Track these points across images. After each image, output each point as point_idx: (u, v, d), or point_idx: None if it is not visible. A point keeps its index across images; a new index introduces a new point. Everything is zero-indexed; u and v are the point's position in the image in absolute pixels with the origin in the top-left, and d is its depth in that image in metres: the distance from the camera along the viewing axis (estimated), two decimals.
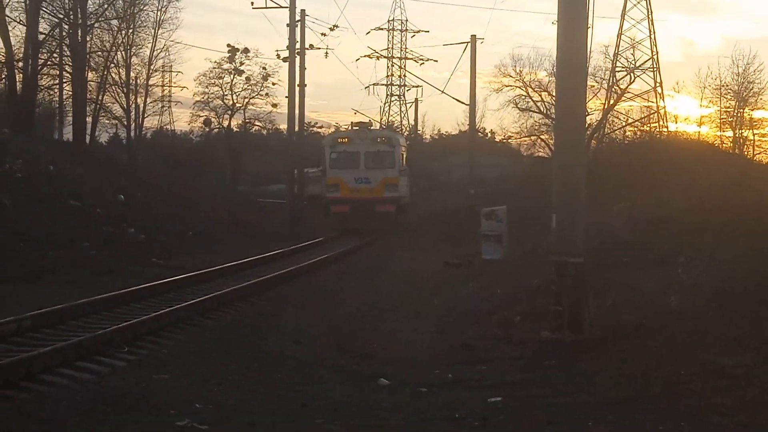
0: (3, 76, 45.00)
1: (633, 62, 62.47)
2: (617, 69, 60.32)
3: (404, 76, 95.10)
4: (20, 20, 44.20)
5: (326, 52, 53.25)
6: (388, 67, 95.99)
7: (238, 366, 13.09)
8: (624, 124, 55.84)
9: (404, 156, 45.84)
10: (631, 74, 60.15)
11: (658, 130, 58.25)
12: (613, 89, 55.51)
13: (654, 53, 63.12)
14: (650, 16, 63.11)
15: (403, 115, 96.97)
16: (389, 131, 55.99)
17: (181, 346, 14.33)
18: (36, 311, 16.01)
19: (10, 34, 43.05)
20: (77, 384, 11.43)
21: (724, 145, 55.29)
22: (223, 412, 10.52)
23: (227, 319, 17.57)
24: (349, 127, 48.46)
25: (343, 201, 43.17)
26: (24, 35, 43.93)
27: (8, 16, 43.05)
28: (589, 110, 37.44)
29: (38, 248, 24.28)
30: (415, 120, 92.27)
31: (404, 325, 18.04)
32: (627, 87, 56.59)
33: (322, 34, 52.52)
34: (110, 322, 15.97)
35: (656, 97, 62.54)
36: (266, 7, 46.77)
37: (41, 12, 43.84)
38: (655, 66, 63.08)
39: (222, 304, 18.88)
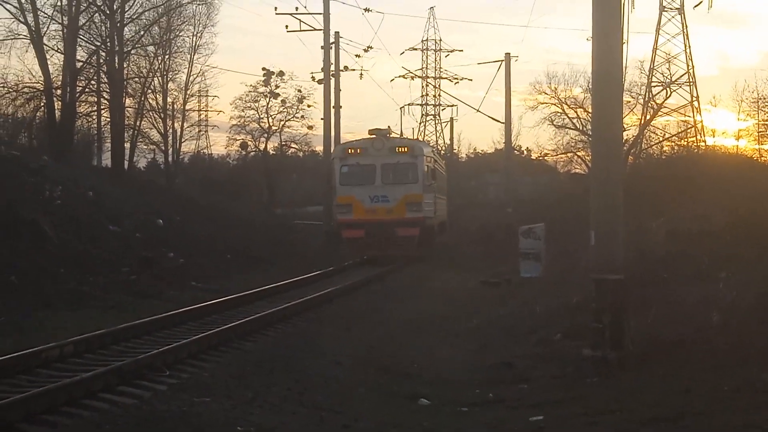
0: (42, 105, 45.56)
1: (669, 77, 62.24)
2: (653, 84, 60.11)
3: (439, 95, 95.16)
4: (58, 48, 44.82)
5: (361, 74, 53.52)
6: (422, 86, 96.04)
7: (279, 388, 13.10)
8: (661, 139, 55.66)
9: (431, 168, 39.08)
10: (668, 89, 59.85)
11: (695, 144, 57.95)
12: (649, 104, 55.38)
13: (690, 67, 62.91)
14: (685, 30, 62.97)
15: (438, 135, 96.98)
16: (411, 139, 48.81)
17: (222, 368, 14.35)
18: (77, 336, 16.11)
19: (48, 62, 43.68)
20: (119, 408, 11.48)
21: (762, 158, 54.80)
22: None
23: (267, 341, 17.60)
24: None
25: (356, 224, 36.91)
26: (62, 63, 44.49)
27: (46, 45, 43.66)
28: (625, 126, 37.32)
29: (79, 273, 24.46)
30: (451, 139, 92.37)
31: (443, 344, 18.00)
32: (663, 102, 56.41)
33: (356, 55, 52.74)
34: (151, 346, 16.05)
35: (693, 112, 62.29)
36: (300, 30, 47.09)
37: (78, 40, 44.39)
38: (691, 80, 62.86)
39: (262, 326, 18.91)
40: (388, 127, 39.95)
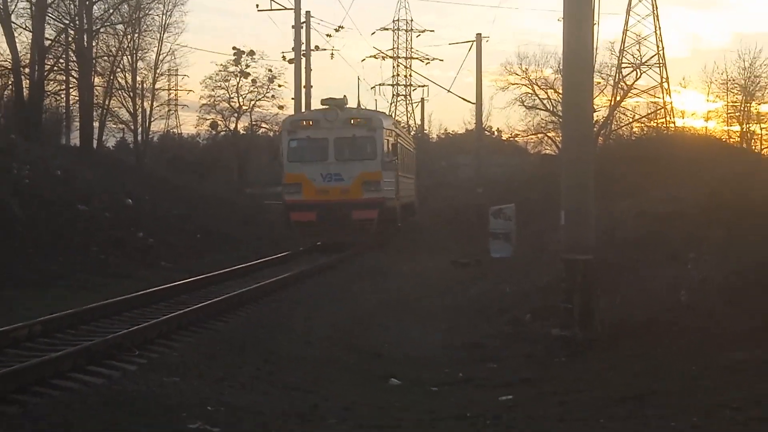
0: (9, 83, 45.20)
1: (639, 58, 62.51)
2: (623, 65, 60.36)
3: (410, 75, 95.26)
4: (26, 26, 44.42)
5: (332, 53, 53.23)
6: (393, 67, 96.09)
7: (249, 368, 13.09)
8: (631, 120, 55.86)
9: (392, 143, 34.83)
10: (638, 70, 60.10)
11: (665, 125, 58.33)
12: (619, 85, 55.59)
13: (660, 49, 63.28)
14: (655, 11, 63.30)
15: (409, 115, 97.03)
16: (369, 110, 40.60)
17: (192, 348, 14.32)
18: (47, 316, 16.04)
19: (16, 40, 43.26)
20: (89, 388, 11.43)
21: (731, 139, 55.21)
22: (236, 413, 10.51)
23: (238, 321, 17.58)
24: None
25: (306, 206, 32.53)
26: (30, 41, 44.12)
27: (14, 23, 43.23)
28: (595, 107, 37.45)
29: (48, 253, 24.32)
30: (422, 119, 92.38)
31: (414, 324, 18.03)
32: (633, 83, 56.67)
33: (327, 35, 52.34)
34: (120, 326, 16.00)
35: (663, 93, 62.67)
36: (271, 9, 46.82)
37: (47, 18, 44.00)
38: (661, 62, 63.21)
39: (232, 306, 18.88)
40: (344, 96, 34.68)
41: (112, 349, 13.48)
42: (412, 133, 74.22)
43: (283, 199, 33.90)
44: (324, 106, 34.20)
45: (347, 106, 35.17)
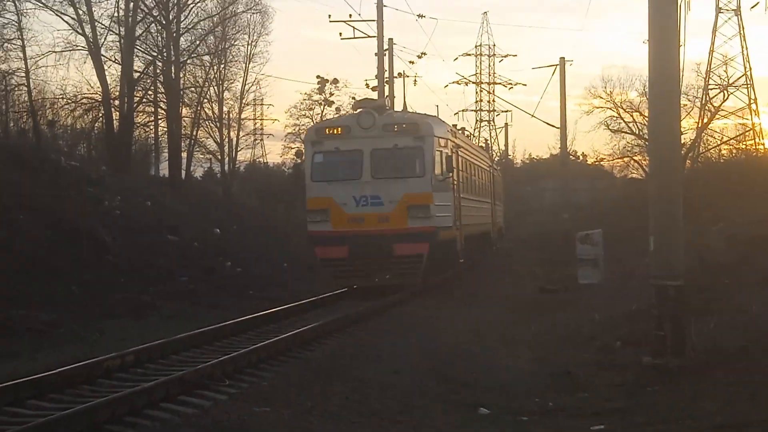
0: (100, 115, 46.16)
1: (726, 79, 61.54)
2: (710, 87, 59.47)
3: (493, 101, 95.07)
4: (115, 59, 45.50)
5: (415, 80, 53.43)
6: (476, 92, 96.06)
7: (337, 397, 13.11)
8: (719, 142, 55.07)
9: (446, 155, 26.90)
10: (725, 91, 59.20)
11: (754, 147, 57.27)
12: (706, 107, 54.81)
13: (747, 69, 62.16)
14: (742, 32, 62.20)
15: (493, 141, 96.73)
16: (417, 114, 30.80)
17: (281, 378, 14.39)
18: (139, 346, 16.26)
19: (106, 73, 44.36)
20: (180, 418, 11.55)
21: None
22: None
23: (326, 350, 17.62)
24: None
25: (335, 238, 25.57)
26: (119, 74, 45.07)
27: (104, 56, 44.33)
28: (682, 129, 37.01)
29: (138, 283, 24.71)
30: (506, 145, 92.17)
31: (502, 352, 17.92)
32: (721, 105, 55.78)
33: (410, 62, 52.52)
34: (211, 355, 16.14)
35: (751, 114, 61.54)
36: (354, 37, 47.13)
37: (135, 50, 44.95)
38: (749, 82, 62.09)
39: (320, 335, 18.94)
40: (386, 97, 27.93)
41: (203, 379, 13.60)
42: (494, 156, 73.64)
43: (308, 229, 26.70)
44: (359, 109, 27.37)
45: (389, 109, 28.90)
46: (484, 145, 48.47)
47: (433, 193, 25.85)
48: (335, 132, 26.56)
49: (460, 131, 34.76)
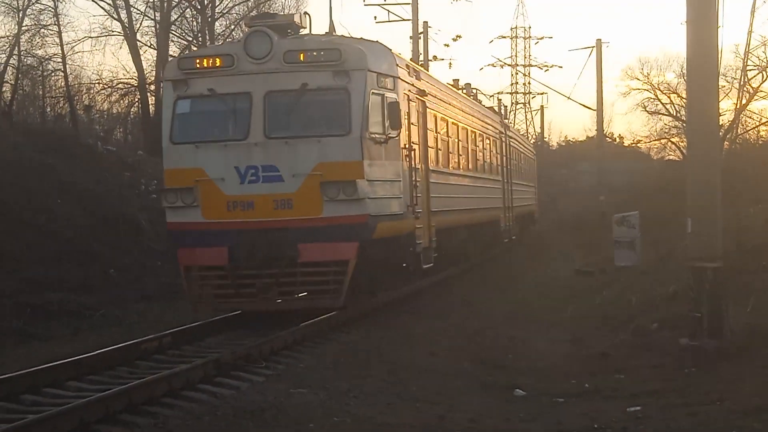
0: (136, 100, 46.43)
1: (765, 60, 60.82)
2: (748, 68, 58.84)
3: (529, 83, 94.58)
4: (151, 44, 45.66)
5: (450, 63, 53.01)
6: (512, 75, 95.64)
7: (374, 379, 13.15)
8: (757, 123, 54.50)
9: (392, 103, 17.52)
10: (763, 72, 58.56)
11: None
12: (744, 88, 54.26)
13: None
14: None
15: (529, 123, 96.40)
16: (342, 38, 20.48)
17: (317, 360, 14.46)
18: (176, 328, 16.39)
19: (142, 58, 44.54)
20: (218, 399, 11.64)
21: None
22: (361, 425, 10.59)
23: (362, 332, 17.65)
24: None
25: (208, 235, 16.85)
26: (155, 59, 45.29)
27: (139, 41, 44.56)
28: (720, 111, 36.58)
29: (175, 266, 24.81)
30: (542, 127, 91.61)
31: (539, 334, 17.88)
32: (759, 86, 55.18)
33: (445, 45, 52.11)
34: (248, 338, 16.20)
35: None
36: (389, 21, 47.02)
37: (170, 35, 45.13)
38: None
39: (357, 317, 18.95)
40: (303, 14, 18.48)
41: (240, 361, 13.68)
42: (531, 141, 73.19)
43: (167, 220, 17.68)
44: (251, 27, 17.62)
45: (301, 30, 18.18)
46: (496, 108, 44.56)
47: (365, 162, 16.68)
48: (211, 65, 17.13)
49: (413, 64, 22.79)
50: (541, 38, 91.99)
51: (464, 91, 31.50)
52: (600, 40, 51.78)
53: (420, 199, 19.44)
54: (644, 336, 16.07)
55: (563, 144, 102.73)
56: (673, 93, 50.83)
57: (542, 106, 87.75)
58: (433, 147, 21.59)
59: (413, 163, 19.05)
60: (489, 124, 31.45)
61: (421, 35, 47.69)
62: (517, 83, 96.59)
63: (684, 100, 40.86)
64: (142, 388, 11.49)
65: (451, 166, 23.86)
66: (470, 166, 26.95)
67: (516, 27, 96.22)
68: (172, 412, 11.00)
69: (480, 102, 34.73)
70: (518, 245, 37.91)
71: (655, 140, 56.94)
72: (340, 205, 16.36)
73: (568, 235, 42.71)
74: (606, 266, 27.31)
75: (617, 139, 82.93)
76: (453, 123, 24.31)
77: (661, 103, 52.49)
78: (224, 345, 15.59)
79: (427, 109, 20.97)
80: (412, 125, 19.33)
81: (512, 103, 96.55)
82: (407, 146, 18.71)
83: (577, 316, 19.77)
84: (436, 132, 22.04)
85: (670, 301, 17.49)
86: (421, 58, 47.61)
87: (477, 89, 35.21)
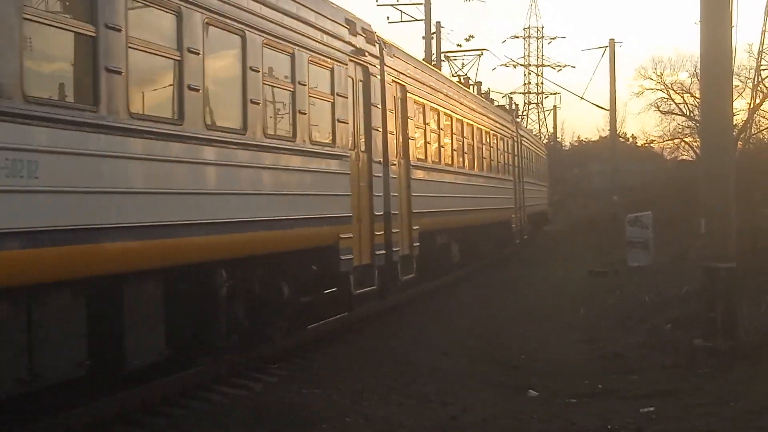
0: None
1: None
2: (762, 67, 58.68)
3: (542, 83, 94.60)
4: None
5: (462, 63, 53.05)
6: (525, 75, 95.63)
7: (387, 379, 13.15)
8: None
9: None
10: None
11: None
12: (758, 88, 54.12)
13: None
14: None
15: (541, 123, 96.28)
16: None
17: (330, 361, 14.45)
18: None
19: None
20: (232, 400, 11.64)
21: None
22: (374, 425, 10.58)
23: (374, 333, 17.65)
24: None
25: None
26: None
27: None
28: (734, 110, 36.44)
29: None
30: (554, 127, 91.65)
31: (552, 334, 17.88)
32: None
33: (458, 45, 52.18)
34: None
35: None
36: (401, 21, 47.05)
37: None
38: None
39: (368, 318, 18.94)
40: None
41: (253, 362, 13.68)
42: (543, 140, 73.05)
43: None
44: None
45: None
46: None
47: None
48: None
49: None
50: (554, 38, 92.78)
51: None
52: (613, 39, 51.84)
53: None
54: (658, 336, 16.06)
55: (576, 144, 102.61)
56: (687, 93, 50.73)
57: (555, 106, 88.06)
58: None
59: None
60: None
61: (434, 35, 47.71)
62: (529, 83, 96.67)
63: (697, 100, 40.75)
64: (156, 388, 11.48)
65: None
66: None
67: (529, 27, 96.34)
68: (186, 413, 11.00)
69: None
70: (530, 245, 37.85)
71: (669, 140, 56.82)
72: None
73: (581, 235, 42.61)
74: (619, 266, 27.27)
75: (630, 139, 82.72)
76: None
77: (674, 102, 52.37)
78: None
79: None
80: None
81: (525, 103, 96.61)
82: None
83: (590, 317, 19.76)
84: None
85: (684, 301, 17.48)
86: (434, 57, 47.66)
87: (489, 89, 35.19)
